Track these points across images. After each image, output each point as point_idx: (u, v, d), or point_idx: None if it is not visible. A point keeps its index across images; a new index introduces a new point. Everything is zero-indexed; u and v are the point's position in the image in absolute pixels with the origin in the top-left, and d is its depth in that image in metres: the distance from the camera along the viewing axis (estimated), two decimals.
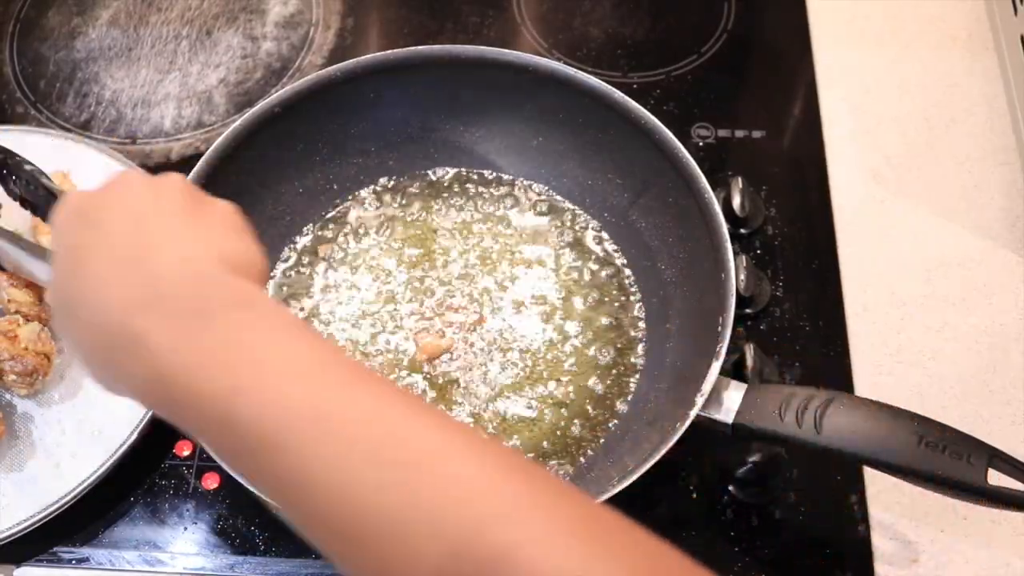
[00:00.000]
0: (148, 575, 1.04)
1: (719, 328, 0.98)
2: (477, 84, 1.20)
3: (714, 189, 1.08)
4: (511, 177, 1.24)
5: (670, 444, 0.93)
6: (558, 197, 1.22)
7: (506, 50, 1.18)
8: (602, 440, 1.07)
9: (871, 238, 1.24)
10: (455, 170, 1.25)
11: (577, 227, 1.20)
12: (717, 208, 1.04)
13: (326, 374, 0.62)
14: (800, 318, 1.17)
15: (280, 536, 1.05)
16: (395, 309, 1.15)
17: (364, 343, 1.13)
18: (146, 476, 1.09)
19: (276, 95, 1.15)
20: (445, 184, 1.24)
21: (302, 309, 1.15)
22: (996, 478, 0.86)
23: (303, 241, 1.20)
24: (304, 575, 1.03)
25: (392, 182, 1.24)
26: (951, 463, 0.87)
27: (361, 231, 1.21)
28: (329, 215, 1.22)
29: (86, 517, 1.06)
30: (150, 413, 1.07)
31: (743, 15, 1.45)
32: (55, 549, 1.05)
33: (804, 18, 1.44)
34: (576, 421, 1.08)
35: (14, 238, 1.03)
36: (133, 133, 1.37)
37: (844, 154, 1.30)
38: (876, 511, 1.05)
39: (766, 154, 1.31)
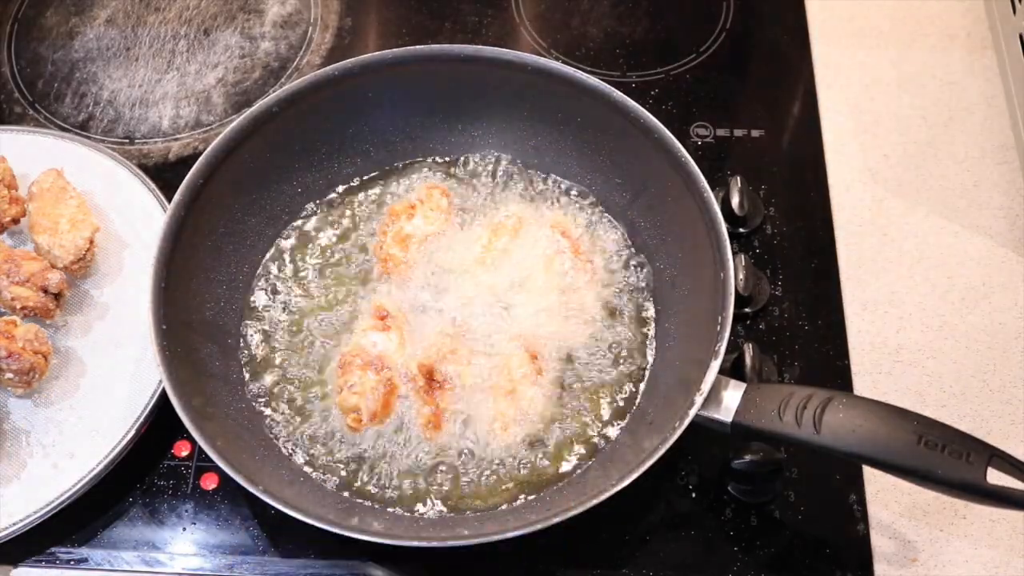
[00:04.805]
0: (147, 575, 1.04)
1: (718, 327, 0.98)
2: (475, 83, 1.20)
3: (713, 188, 1.08)
4: (509, 177, 1.24)
5: (670, 443, 0.93)
6: (555, 196, 1.22)
7: (505, 49, 1.18)
8: (603, 439, 1.07)
9: (870, 237, 1.24)
10: (453, 169, 1.25)
11: (575, 226, 1.20)
12: (716, 207, 1.04)
13: None
14: (799, 317, 1.17)
15: (279, 536, 1.05)
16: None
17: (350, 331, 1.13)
18: (144, 476, 1.09)
19: (274, 95, 1.15)
20: (443, 183, 1.24)
21: (297, 300, 1.15)
22: (996, 477, 0.86)
23: (302, 239, 1.20)
24: (303, 575, 1.03)
25: (389, 180, 1.24)
26: (950, 462, 0.87)
27: (358, 229, 1.20)
28: (328, 213, 1.22)
29: (84, 517, 1.06)
30: (148, 412, 1.07)
31: (742, 14, 1.45)
32: (53, 549, 1.05)
33: (803, 17, 1.44)
34: (576, 420, 1.08)
35: None
36: (131, 133, 1.37)
37: (843, 153, 1.30)
38: (876, 510, 1.05)
39: (765, 153, 1.31)
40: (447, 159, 1.25)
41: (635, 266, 1.17)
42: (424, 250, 1.17)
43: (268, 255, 1.19)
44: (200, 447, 0.99)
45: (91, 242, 1.15)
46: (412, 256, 1.17)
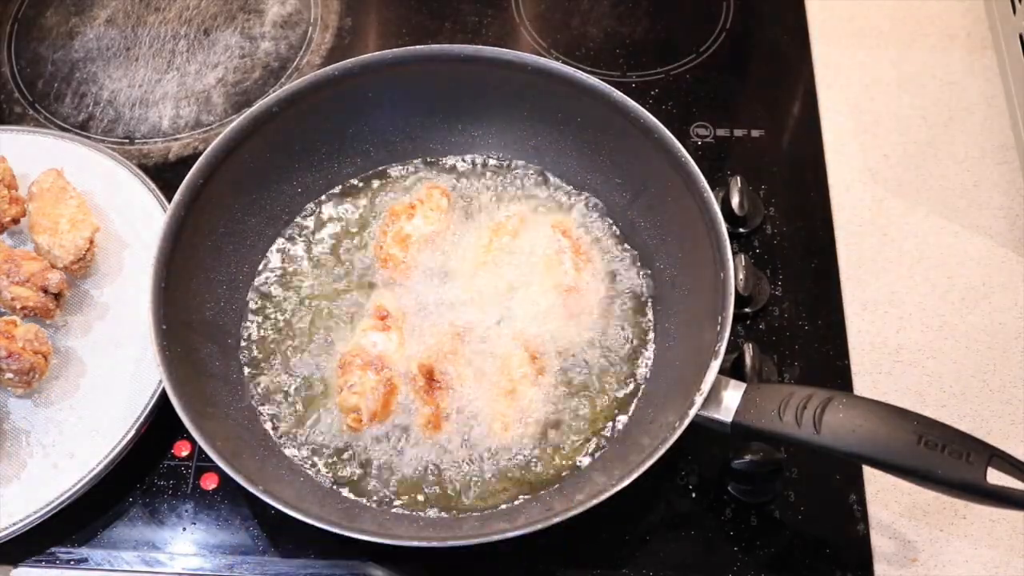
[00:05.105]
0: (147, 575, 1.04)
1: (718, 327, 0.98)
2: (475, 83, 1.20)
3: (713, 188, 1.08)
4: (509, 177, 1.24)
5: (670, 443, 0.93)
6: (556, 196, 1.22)
7: (505, 49, 1.18)
8: (602, 438, 1.07)
9: (870, 237, 1.23)
10: (453, 169, 1.25)
11: (575, 226, 1.20)
12: (716, 207, 1.04)
13: None
14: (799, 317, 1.17)
15: (279, 536, 1.05)
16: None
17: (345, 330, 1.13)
18: (144, 476, 1.09)
19: (274, 95, 1.15)
20: (443, 182, 1.23)
21: (297, 300, 1.15)
22: (996, 477, 0.86)
23: (302, 239, 1.20)
24: (303, 575, 1.03)
25: (389, 180, 1.24)
26: (951, 462, 0.87)
27: (358, 229, 1.20)
28: (328, 213, 1.22)
29: (84, 517, 1.06)
30: (148, 412, 1.07)
31: (742, 14, 1.45)
32: (53, 549, 1.05)
33: (803, 17, 1.44)
34: (576, 420, 1.08)
35: None
36: (131, 133, 1.37)
37: (843, 153, 1.30)
38: (876, 510, 1.05)
39: (765, 153, 1.31)
40: (447, 159, 1.25)
41: (635, 266, 1.17)
42: (424, 250, 1.17)
43: (268, 255, 1.19)
44: (200, 447, 0.99)
45: (91, 242, 1.16)
46: (412, 256, 1.17)
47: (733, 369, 1.09)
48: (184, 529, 1.06)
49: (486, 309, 1.13)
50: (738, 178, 1.22)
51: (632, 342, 1.12)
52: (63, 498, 1.03)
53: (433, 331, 1.12)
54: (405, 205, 1.20)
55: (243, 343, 1.13)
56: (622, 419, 1.08)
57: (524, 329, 1.12)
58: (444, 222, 1.19)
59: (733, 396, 0.95)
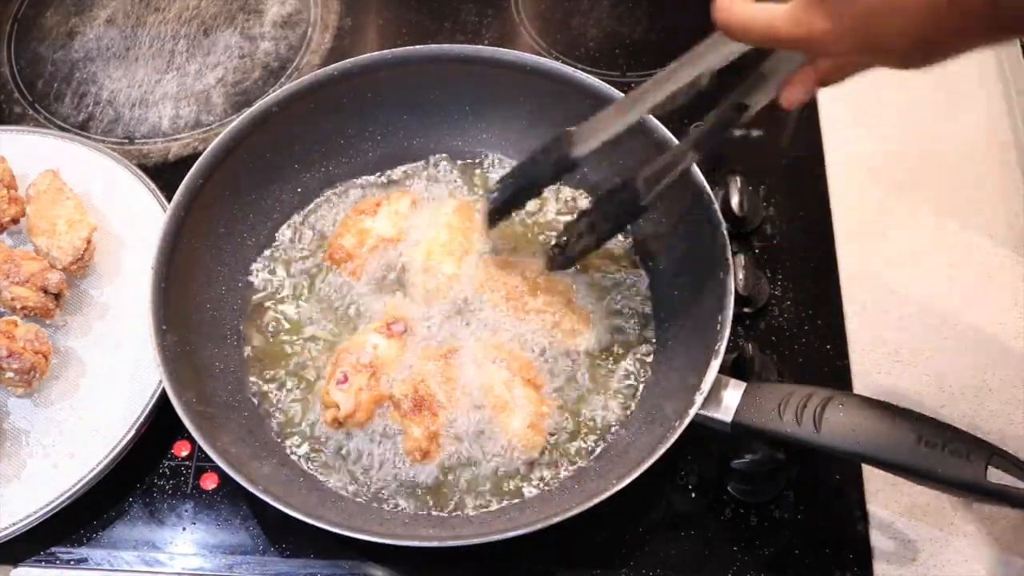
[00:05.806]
0: (146, 575, 1.04)
1: (718, 327, 0.98)
2: (475, 83, 1.20)
3: (712, 188, 1.08)
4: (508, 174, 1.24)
5: (670, 443, 0.93)
6: (557, 196, 1.22)
7: (504, 49, 1.19)
8: (602, 439, 1.07)
9: (869, 236, 1.23)
10: (451, 168, 1.25)
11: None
12: (716, 207, 1.05)
13: None
14: (799, 316, 1.17)
15: (279, 536, 1.05)
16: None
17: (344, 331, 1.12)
18: (144, 476, 1.09)
19: (274, 95, 1.16)
20: (442, 182, 1.23)
21: (296, 300, 1.15)
22: (996, 476, 0.86)
23: (301, 239, 1.20)
24: (303, 575, 1.03)
25: (388, 179, 1.24)
26: (951, 461, 0.87)
27: (356, 228, 1.20)
28: (327, 214, 1.22)
29: (84, 517, 1.06)
30: (148, 412, 1.07)
31: None
32: (53, 549, 1.05)
33: None
34: (577, 419, 1.08)
35: None
36: (131, 133, 1.37)
37: (842, 152, 1.30)
38: (875, 510, 1.05)
39: (764, 153, 1.30)
40: (447, 159, 1.25)
41: (634, 267, 1.17)
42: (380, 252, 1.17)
43: (268, 255, 1.19)
44: (200, 447, 0.99)
45: (88, 242, 1.16)
46: (364, 254, 1.16)
47: (733, 369, 1.08)
48: (184, 529, 1.06)
49: (482, 316, 1.13)
50: (738, 178, 1.22)
51: (631, 343, 1.12)
52: (63, 498, 1.03)
53: (432, 344, 1.11)
54: (371, 202, 1.19)
55: (243, 342, 1.13)
56: (621, 419, 1.08)
57: (522, 332, 1.12)
58: (403, 227, 1.18)
59: (733, 395, 0.95)
